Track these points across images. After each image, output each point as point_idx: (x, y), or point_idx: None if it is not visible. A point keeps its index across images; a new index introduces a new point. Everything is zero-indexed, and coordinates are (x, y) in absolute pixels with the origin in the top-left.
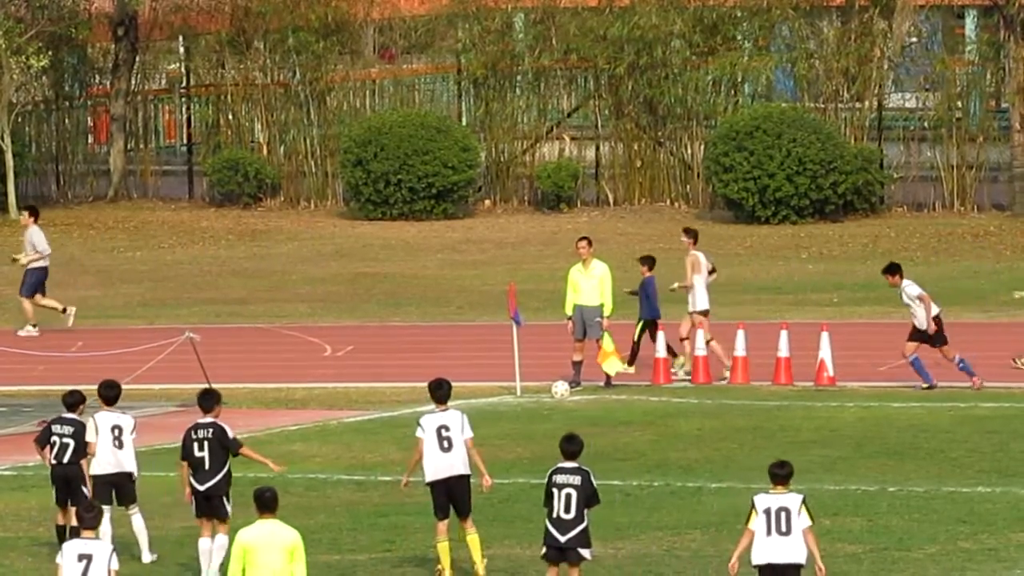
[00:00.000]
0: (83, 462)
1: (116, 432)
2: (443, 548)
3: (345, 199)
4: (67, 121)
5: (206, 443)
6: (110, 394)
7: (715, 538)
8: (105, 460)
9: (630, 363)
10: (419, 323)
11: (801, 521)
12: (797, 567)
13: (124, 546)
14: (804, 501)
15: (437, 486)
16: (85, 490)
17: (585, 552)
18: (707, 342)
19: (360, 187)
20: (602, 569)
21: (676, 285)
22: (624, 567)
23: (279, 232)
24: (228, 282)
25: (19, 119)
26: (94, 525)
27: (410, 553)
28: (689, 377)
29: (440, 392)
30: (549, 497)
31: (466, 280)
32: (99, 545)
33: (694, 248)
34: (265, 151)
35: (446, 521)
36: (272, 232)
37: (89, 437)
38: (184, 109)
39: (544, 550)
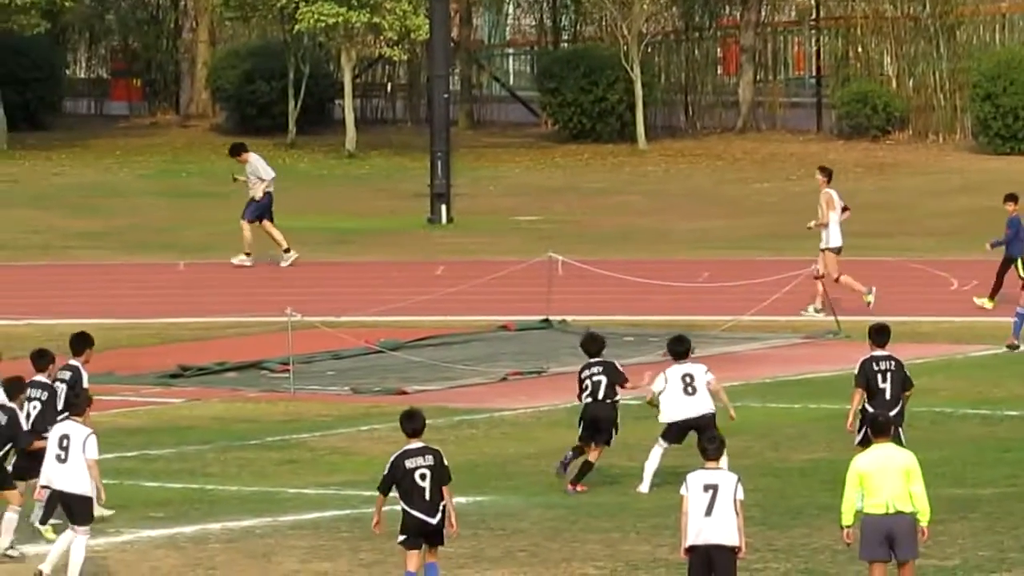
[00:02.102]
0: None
1: (687, 380)
2: None
3: (974, 133)
4: (696, 52)
5: (889, 375)
6: (679, 349)
7: None
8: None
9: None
10: None
11: None
12: None
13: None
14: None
15: None
16: (614, 430)
17: None
18: (836, 279)
19: (989, 121)
20: None
21: (812, 223)
22: None
23: (906, 165)
24: (855, 215)
25: (649, 49)
26: (717, 456)
27: None
28: (821, 314)
29: None
30: None
31: None
32: (724, 475)
33: (827, 186)
34: (894, 84)
35: None
36: (900, 165)
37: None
38: (813, 41)
39: None
